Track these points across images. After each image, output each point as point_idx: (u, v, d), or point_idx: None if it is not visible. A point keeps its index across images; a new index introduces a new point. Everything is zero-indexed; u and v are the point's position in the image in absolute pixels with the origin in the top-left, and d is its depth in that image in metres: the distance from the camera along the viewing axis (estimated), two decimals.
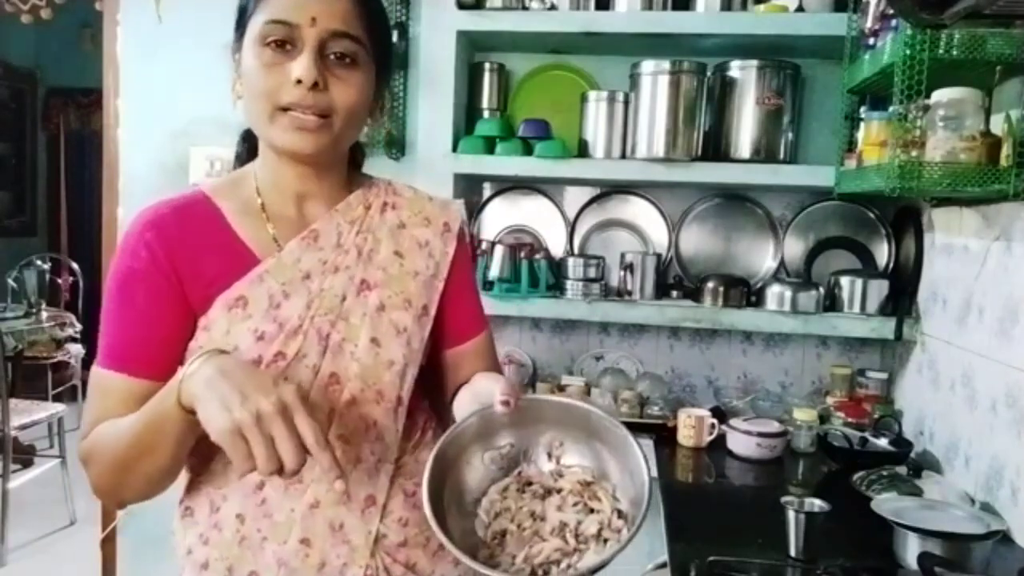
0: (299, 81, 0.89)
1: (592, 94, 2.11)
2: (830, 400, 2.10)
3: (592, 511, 0.90)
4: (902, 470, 1.62)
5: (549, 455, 0.95)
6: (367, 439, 0.97)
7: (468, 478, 0.94)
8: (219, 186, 1.01)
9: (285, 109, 0.90)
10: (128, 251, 0.94)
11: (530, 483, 0.93)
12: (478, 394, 0.95)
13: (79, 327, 4.53)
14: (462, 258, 1.08)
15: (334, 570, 0.95)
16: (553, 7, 2.03)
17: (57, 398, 4.37)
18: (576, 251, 2.30)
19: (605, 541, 0.87)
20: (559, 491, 0.92)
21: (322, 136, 0.92)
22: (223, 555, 0.95)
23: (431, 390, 1.09)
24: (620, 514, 0.89)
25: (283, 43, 0.90)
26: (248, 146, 1.06)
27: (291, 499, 0.95)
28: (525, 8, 2.04)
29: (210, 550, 0.96)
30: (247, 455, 0.76)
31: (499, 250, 2.12)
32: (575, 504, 0.90)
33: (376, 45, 0.95)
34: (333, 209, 1.00)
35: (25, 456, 3.86)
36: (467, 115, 2.24)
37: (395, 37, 1.90)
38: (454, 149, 2.12)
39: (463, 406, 0.96)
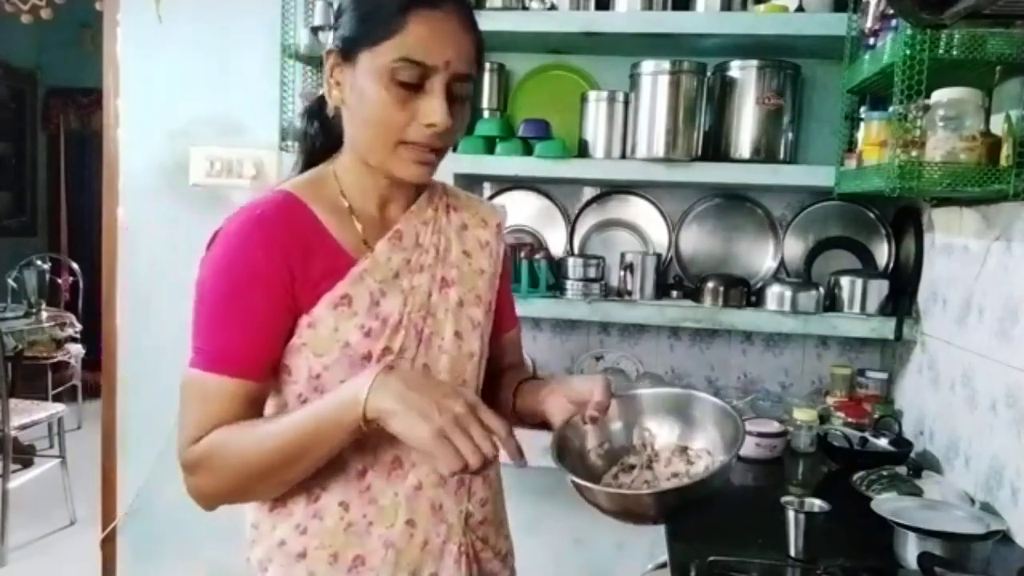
0: (431, 125, 0.93)
1: (592, 94, 2.11)
2: (830, 400, 2.10)
3: (691, 463, 1.04)
4: (902, 470, 1.62)
5: (644, 445, 1.09)
6: None
7: (584, 467, 1.07)
8: (301, 187, 1.02)
9: (406, 142, 0.95)
10: (237, 251, 0.94)
11: (632, 467, 1.07)
12: (571, 394, 1.06)
13: (79, 327, 4.54)
14: (506, 257, 1.18)
15: (435, 547, 1.02)
16: (553, 7, 2.03)
17: (57, 398, 4.38)
18: (576, 251, 2.30)
19: None
20: (658, 459, 1.07)
21: (435, 166, 0.99)
22: (326, 543, 0.99)
23: None
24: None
25: (414, 82, 0.93)
26: (323, 140, 1.08)
27: (394, 484, 1.00)
28: (525, 8, 2.04)
29: (309, 539, 0.99)
30: (456, 454, 0.83)
31: None
32: (681, 460, 1.05)
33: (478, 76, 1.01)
34: (409, 211, 1.05)
35: (25, 456, 3.86)
36: None
37: None
38: (454, 149, 2.11)
39: (557, 406, 1.07)
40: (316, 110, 1.07)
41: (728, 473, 1.02)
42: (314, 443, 0.90)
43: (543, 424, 1.10)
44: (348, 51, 0.95)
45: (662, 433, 1.09)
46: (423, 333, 1.01)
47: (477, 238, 1.11)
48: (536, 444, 1.04)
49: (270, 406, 1.01)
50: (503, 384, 1.16)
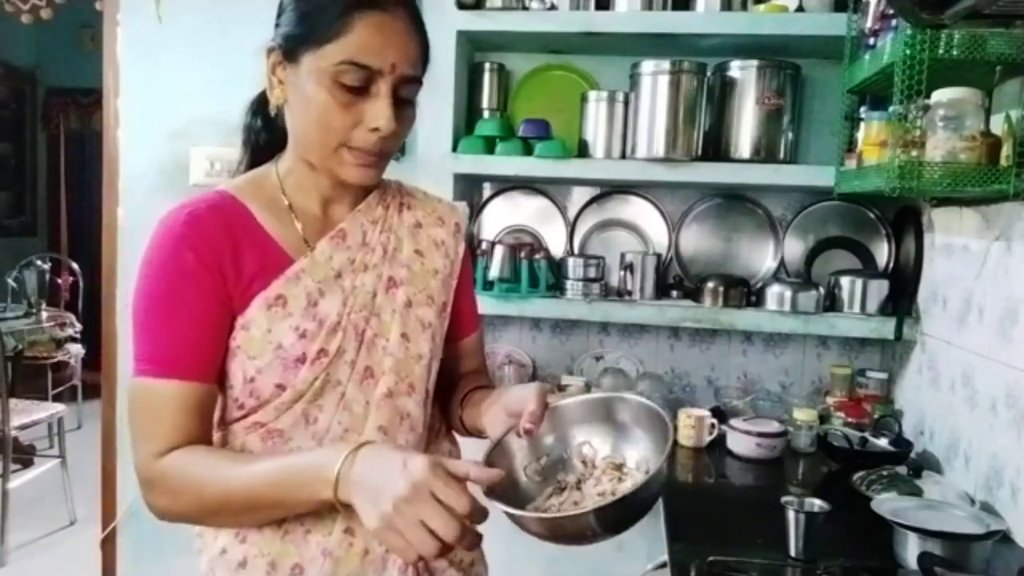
0: (376, 129, 0.91)
1: (592, 94, 2.11)
2: (830, 400, 2.10)
3: (621, 480, 0.97)
4: (902, 470, 1.62)
5: (584, 463, 1.01)
6: (402, 430, 1.01)
7: (516, 489, 0.98)
8: (241, 186, 1.01)
9: (350, 146, 0.93)
10: (168, 253, 0.92)
11: (564, 488, 1.00)
12: (508, 405, 0.99)
13: (79, 327, 4.54)
14: (467, 258, 1.15)
15: (376, 557, 0.98)
16: (553, 7, 2.03)
17: (57, 398, 4.38)
18: (576, 251, 2.30)
19: None
20: (591, 476, 0.99)
21: (381, 168, 0.98)
22: (264, 551, 0.97)
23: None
24: None
25: (359, 85, 0.91)
26: (267, 136, 1.06)
27: None
28: (525, 8, 2.04)
29: (248, 547, 0.97)
30: (405, 545, 0.76)
31: (499, 250, 2.12)
32: (609, 480, 0.98)
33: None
34: (356, 209, 1.04)
35: (25, 456, 3.86)
36: (467, 115, 2.23)
37: None
38: (454, 149, 2.12)
39: (494, 418, 1.01)
40: (259, 106, 1.05)
41: (660, 480, 0.91)
42: (278, 505, 0.89)
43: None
44: (291, 50, 0.93)
45: (596, 445, 1.01)
46: (364, 334, 0.98)
47: (432, 237, 1.09)
48: None
49: (216, 412, 0.99)
50: (456, 392, 1.12)
